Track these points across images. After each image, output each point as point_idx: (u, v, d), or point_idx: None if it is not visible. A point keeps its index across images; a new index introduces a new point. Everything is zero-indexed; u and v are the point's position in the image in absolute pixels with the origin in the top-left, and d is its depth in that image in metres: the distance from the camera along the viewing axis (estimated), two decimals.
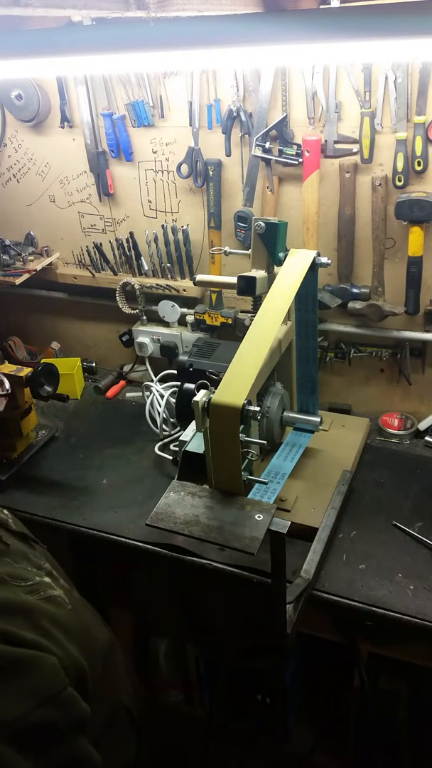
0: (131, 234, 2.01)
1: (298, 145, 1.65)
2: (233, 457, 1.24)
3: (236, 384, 1.22)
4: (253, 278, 1.49)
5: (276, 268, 1.53)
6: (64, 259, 2.19)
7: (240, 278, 1.51)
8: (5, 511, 1.08)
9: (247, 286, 1.50)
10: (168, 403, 1.87)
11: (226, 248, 1.63)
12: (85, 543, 1.64)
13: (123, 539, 1.56)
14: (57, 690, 0.75)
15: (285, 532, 1.14)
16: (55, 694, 0.75)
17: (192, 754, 1.91)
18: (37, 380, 1.73)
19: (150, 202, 1.96)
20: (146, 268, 2.04)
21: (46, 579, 0.95)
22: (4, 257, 2.06)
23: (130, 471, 1.81)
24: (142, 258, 2.03)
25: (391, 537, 1.51)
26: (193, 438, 1.49)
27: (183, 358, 1.77)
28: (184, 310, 2.04)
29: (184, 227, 1.92)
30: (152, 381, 1.98)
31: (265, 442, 1.47)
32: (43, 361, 1.84)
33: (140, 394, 2.10)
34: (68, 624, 0.88)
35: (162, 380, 1.95)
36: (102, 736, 0.93)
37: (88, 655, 0.88)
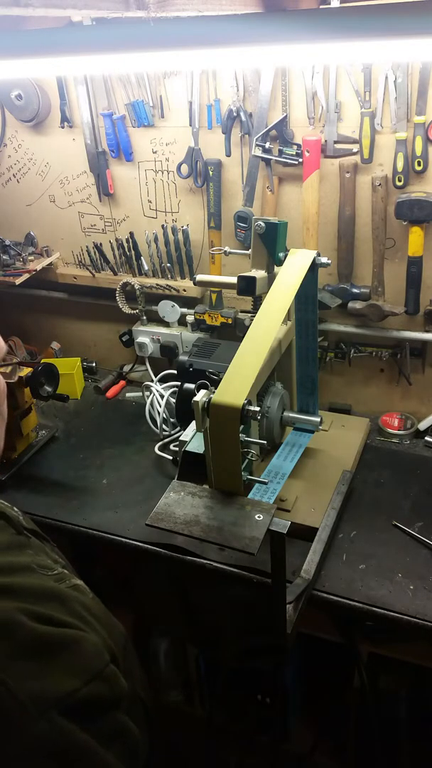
0: (131, 234, 2.01)
1: (298, 145, 1.65)
2: (233, 457, 1.24)
3: (236, 384, 1.22)
4: (253, 278, 1.49)
5: (276, 268, 1.53)
6: (64, 259, 2.19)
7: (240, 278, 1.51)
8: (15, 509, 1.09)
9: (247, 286, 1.50)
10: (168, 403, 1.87)
11: (226, 248, 1.63)
12: (85, 543, 1.64)
13: (123, 539, 1.56)
14: (102, 666, 0.78)
15: (285, 532, 1.14)
16: (100, 671, 0.77)
17: (192, 754, 1.91)
18: (37, 380, 1.73)
19: (150, 202, 1.96)
20: (146, 268, 2.04)
21: (65, 571, 0.97)
22: (4, 257, 2.06)
23: (130, 471, 1.81)
24: (142, 258, 2.03)
25: (391, 537, 1.51)
26: (193, 438, 1.49)
27: (183, 358, 1.77)
28: (184, 310, 2.04)
29: (184, 227, 1.92)
30: (152, 381, 1.98)
31: (265, 442, 1.47)
32: (43, 361, 1.84)
33: (140, 394, 2.10)
34: (95, 610, 0.90)
35: (162, 380, 1.95)
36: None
37: (114, 641, 0.90)
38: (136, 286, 2.05)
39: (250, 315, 1.66)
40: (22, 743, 0.67)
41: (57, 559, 0.99)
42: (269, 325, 1.33)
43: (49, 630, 0.75)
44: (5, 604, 0.75)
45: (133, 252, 2.04)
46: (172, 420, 1.88)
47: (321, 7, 1.44)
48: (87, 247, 2.10)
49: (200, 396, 1.21)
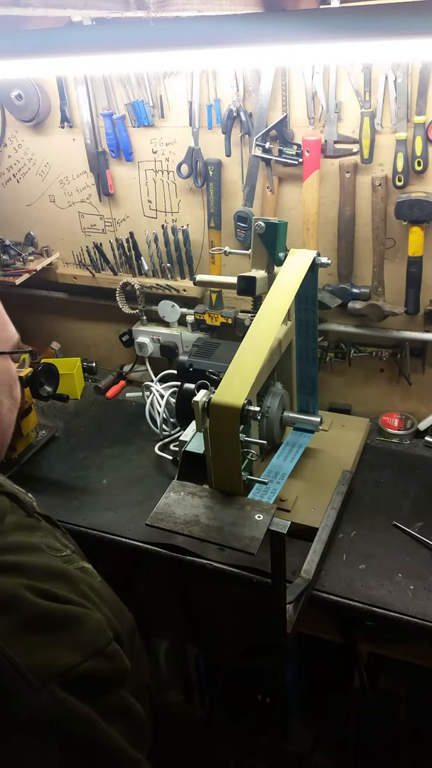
0: (131, 234, 2.01)
1: (298, 145, 1.65)
2: (233, 457, 1.24)
3: (236, 384, 1.22)
4: (253, 278, 1.49)
5: (276, 268, 1.53)
6: (64, 259, 2.19)
7: (240, 278, 1.51)
8: (30, 495, 1.10)
9: (247, 286, 1.50)
10: (168, 403, 1.87)
11: (226, 248, 1.63)
12: (85, 543, 1.63)
13: (123, 539, 1.56)
14: (104, 643, 0.78)
15: (285, 532, 1.13)
16: (102, 647, 0.78)
17: (192, 754, 1.91)
18: (37, 380, 1.73)
19: (150, 202, 1.96)
20: (146, 268, 2.04)
21: (74, 555, 0.98)
22: (4, 257, 2.06)
23: (130, 471, 1.81)
24: (142, 258, 2.03)
25: (391, 537, 1.51)
26: (193, 438, 1.49)
27: (183, 358, 1.77)
28: (184, 310, 2.04)
29: (184, 227, 1.92)
30: (152, 381, 1.98)
31: (265, 442, 1.47)
32: (43, 361, 1.84)
33: (140, 394, 2.10)
34: (103, 592, 0.91)
35: (162, 380, 1.95)
36: None
37: (120, 623, 0.90)
38: (136, 286, 2.05)
39: (250, 315, 1.66)
40: (22, 715, 0.68)
41: (67, 544, 1.00)
42: (269, 325, 1.33)
43: (53, 606, 0.76)
44: (12, 581, 0.76)
45: (133, 252, 2.04)
46: (172, 420, 1.88)
47: (321, 7, 1.43)
48: (87, 247, 2.10)
49: (200, 396, 1.21)
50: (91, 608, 0.82)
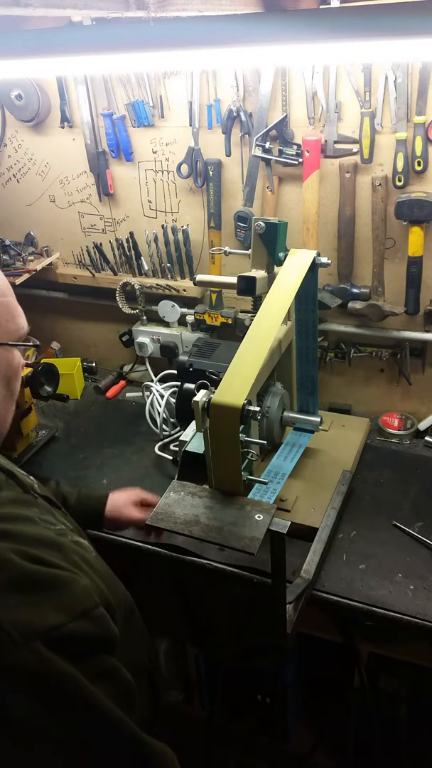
0: (131, 234, 2.01)
1: (298, 145, 1.65)
2: (233, 457, 1.24)
3: (236, 384, 1.22)
4: (253, 278, 1.49)
5: (276, 268, 1.53)
6: (64, 259, 2.19)
7: (240, 278, 1.51)
8: (31, 477, 1.11)
9: (247, 286, 1.50)
10: (168, 403, 1.87)
11: (226, 248, 1.63)
12: None
13: (123, 539, 1.56)
14: (90, 606, 0.80)
15: (285, 532, 1.13)
16: (88, 610, 0.79)
17: (192, 754, 1.91)
18: (37, 380, 1.73)
19: (150, 202, 1.96)
20: (146, 268, 2.04)
21: (71, 531, 0.99)
22: (4, 257, 2.06)
23: (130, 471, 1.81)
24: (142, 258, 2.03)
25: (391, 537, 1.51)
26: (193, 438, 1.49)
27: (183, 358, 1.77)
28: (184, 310, 2.04)
29: (184, 227, 1.92)
30: (152, 381, 1.98)
31: (265, 442, 1.47)
32: (43, 361, 1.84)
33: (140, 394, 2.10)
34: (95, 565, 0.92)
35: (162, 380, 1.95)
36: None
37: (115, 596, 0.91)
38: (136, 286, 2.05)
39: (250, 315, 1.66)
40: (4, 670, 0.70)
41: (65, 522, 1.01)
42: (269, 325, 1.33)
43: (40, 569, 0.78)
44: (0, 545, 0.78)
45: (133, 252, 2.04)
46: (172, 420, 1.88)
47: (321, 7, 1.43)
48: (87, 247, 2.10)
49: (200, 396, 1.21)
50: (79, 574, 0.83)
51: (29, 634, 0.72)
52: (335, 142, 1.65)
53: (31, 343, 1.03)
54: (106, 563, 1.02)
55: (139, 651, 1.10)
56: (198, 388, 1.27)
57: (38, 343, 1.07)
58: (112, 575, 1.01)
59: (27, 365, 1.82)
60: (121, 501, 1.44)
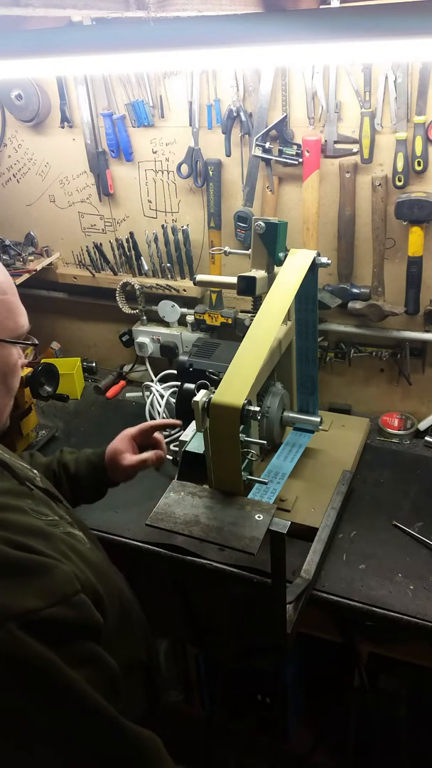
0: (131, 234, 2.01)
1: (298, 145, 1.65)
2: (233, 457, 1.24)
3: (236, 384, 1.22)
4: (253, 278, 1.49)
5: (276, 268, 1.53)
6: (64, 259, 2.19)
7: (240, 278, 1.51)
8: (34, 471, 1.11)
9: (247, 286, 1.50)
10: (168, 403, 1.87)
11: (226, 248, 1.63)
12: None
13: (123, 539, 1.56)
14: (70, 593, 0.80)
15: (285, 532, 1.14)
16: (68, 596, 0.80)
17: (192, 754, 1.91)
18: (37, 380, 1.73)
19: (150, 202, 1.96)
20: (146, 268, 2.04)
21: (66, 522, 0.99)
22: (4, 257, 2.06)
23: None
24: (142, 258, 2.03)
25: (391, 537, 1.51)
26: (193, 438, 1.49)
27: (183, 358, 1.77)
28: (184, 310, 2.04)
29: (184, 227, 1.92)
30: (152, 381, 1.98)
31: (265, 442, 1.47)
32: (43, 361, 1.84)
33: (140, 394, 2.10)
34: (86, 555, 0.92)
35: (162, 380, 1.95)
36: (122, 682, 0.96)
37: (106, 588, 0.91)
38: (136, 286, 2.05)
39: (250, 315, 1.66)
40: None
41: (62, 516, 1.01)
42: (269, 325, 1.33)
43: (21, 554, 0.79)
44: None
45: (133, 252, 2.04)
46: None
47: (321, 7, 1.43)
48: (87, 247, 2.10)
49: (200, 396, 1.21)
50: (64, 562, 0.83)
51: (4, 616, 0.72)
52: (335, 142, 1.65)
53: (29, 342, 1.03)
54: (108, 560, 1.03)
55: (136, 646, 1.10)
56: (198, 388, 1.27)
57: (36, 342, 1.06)
58: (106, 567, 1.01)
59: (27, 365, 1.82)
60: (114, 451, 1.38)
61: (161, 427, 1.44)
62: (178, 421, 1.48)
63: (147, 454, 1.36)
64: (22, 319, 0.97)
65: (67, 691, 0.75)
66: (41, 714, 0.74)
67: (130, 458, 1.35)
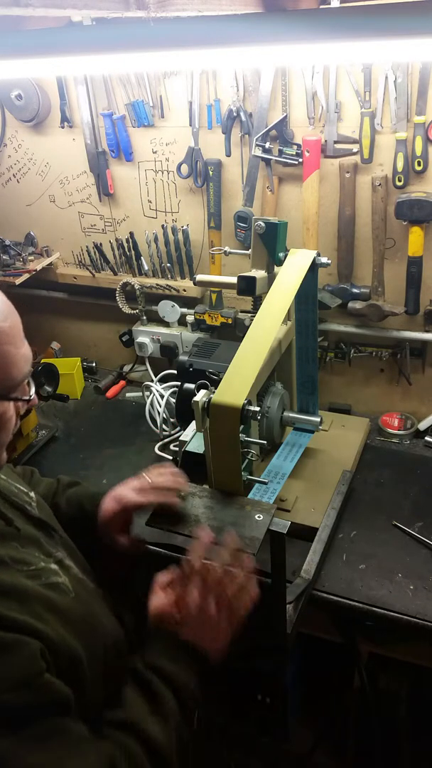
0: (131, 234, 2.01)
1: (298, 145, 1.65)
2: (233, 457, 1.24)
3: (236, 384, 1.22)
4: (253, 278, 1.49)
5: (276, 268, 1.53)
6: (64, 259, 2.19)
7: (240, 278, 1.51)
8: (32, 494, 1.08)
9: (247, 286, 1.50)
10: (168, 403, 1.87)
11: (226, 248, 1.63)
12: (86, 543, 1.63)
13: None
14: (33, 674, 0.78)
15: (285, 532, 1.13)
16: (29, 679, 0.78)
17: (192, 754, 1.90)
18: (37, 380, 1.73)
19: (150, 202, 1.96)
20: (146, 268, 2.04)
21: (53, 566, 0.96)
22: (4, 257, 2.06)
23: (130, 471, 1.79)
24: (142, 258, 2.03)
25: (391, 537, 1.51)
26: (193, 438, 1.49)
27: (183, 358, 1.77)
28: (184, 310, 2.04)
29: (184, 227, 1.92)
30: (152, 381, 1.98)
31: (265, 442, 1.47)
32: (43, 361, 1.84)
33: (140, 394, 2.10)
34: (67, 612, 0.90)
35: (162, 380, 1.95)
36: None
37: (88, 645, 0.89)
38: (136, 286, 2.05)
39: (250, 315, 1.66)
40: None
41: (51, 553, 0.99)
42: (269, 325, 1.33)
43: None
44: None
45: (133, 252, 2.04)
46: (172, 420, 1.88)
47: (321, 7, 1.43)
48: (87, 247, 2.10)
49: (200, 396, 1.21)
50: (36, 629, 0.80)
51: None
52: (335, 142, 1.65)
53: (24, 398, 0.91)
54: (104, 566, 1.00)
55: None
56: (198, 388, 1.28)
57: (30, 396, 0.93)
58: (89, 617, 0.96)
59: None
60: (107, 524, 1.23)
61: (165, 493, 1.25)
62: (175, 500, 1.24)
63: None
64: (16, 371, 0.85)
65: None
66: None
67: (124, 542, 1.24)
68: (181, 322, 2.09)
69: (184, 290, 2.00)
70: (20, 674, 0.77)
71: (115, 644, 1.03)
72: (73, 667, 0.85)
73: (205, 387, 1.27)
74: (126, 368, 2.28)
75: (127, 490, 1.22)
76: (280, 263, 1.50)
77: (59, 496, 1.29)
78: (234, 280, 1.53)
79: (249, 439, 1.27)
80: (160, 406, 1.87)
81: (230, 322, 1.96)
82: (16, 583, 0.85)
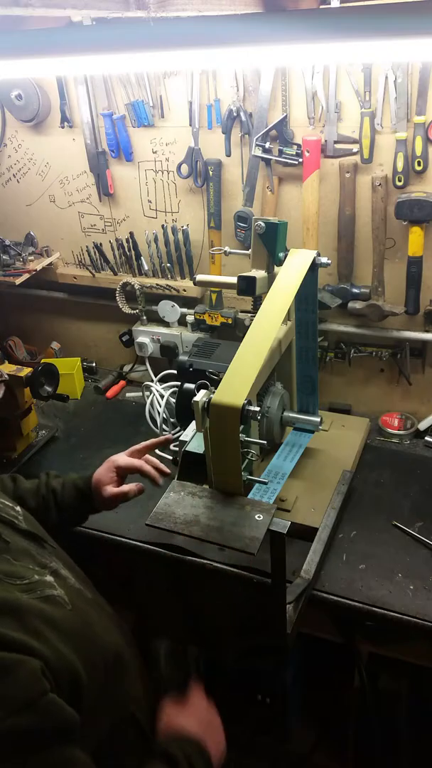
0: (131, 234, 2.01)
1: (298, 145, 1.65)
2: (233, 457, 1.24)
3: (236, 384, 1.22)
4: (253, 278, 1.49)
5: (276, 268, 1.53)
6: (64, 259, 2.19)
7: (240, 278, 1.51)
8: (17, 509, 1.08)
9: (247, 286, 1.50)
10: (168, 403, 1.87)
11: (226, 248, 1.63)
12: (85, 543, 1.64)
13: (123, 539, 1.56)
14: (36, 695, 0.75)
15: (285, 532, 1.14)
16: (33, 700, 0.74)
17: None
18: (37, 380, 1.73)
19: (150, 202, 1.96)
20: (146, 268, 2.04)
21: (48, 578, 0.95)
22: (4, 257, 2.06)
23: None
24: (142, 258, 2.03)
25: (391, 537, 1.51)
26: (193, 438, 1.49)
27: (183, 358, 1.77)
28: (184, 310, 2.04)
29: (184, 227, 1.92)
30: (152, 381, 1.98)
31: (265, 442, 1.47)
32: (43, 361, 1.84)
33: (140, 394, 2.10)
34: (64, 624, 0.88)
35: (162, 380, 1.94)
36: (107, 746, 0.92)
37: (87, 658, 0.87)
38: (136, 286, 2.05)
39: (250, 315, 1.66)
40: None
41: (45, 565, 0.97)
42: (269, 325, 1.33)
43: None
44: None
45: (133, 252, 2.04)
46: (172, 420, 1.88)
47: (321, 7, 1.44)
48: (87, 247, 2.10)
49: (200, 396, 1.21)
50: (34, 647, 0.78)
51: None
52: (335, 142, 1.65)
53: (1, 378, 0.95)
54: (104, 566, 0.99)
55: (125, 700, 1.03)
56: (198, 388, 1.28)
57: (5, 376, 0.94)
58: (90, 626, 0.95)
59: (27, 365, 1.82)
60: (97, 480, 1.36)
61: (152, 448, 1.43)
62: (168, 436, 1.48)
63: (127, 487, 1.35)
64: None
65: None
66: None
67: (111, 490, 1.34)
68: (181, 322, 2.09)
69: (184, 290, 2.00)
70: (24, 695, 0.74)
71: (115, 662, 1.00)
72: (73, 686, 0.83)
73: (205, 387, 1.27)
74: (126, 368, 2.28)
75: (118, 455, 1.40)
76: (280, 263, 1.50)
77: (52, 480, 1.38)
78: (234, 280, 1.53)
79: (249, 439, 1.27)
80: (160, 406, 1.87)
81: (230, 322, 1.96)
82: (9, 597, 0.83)
